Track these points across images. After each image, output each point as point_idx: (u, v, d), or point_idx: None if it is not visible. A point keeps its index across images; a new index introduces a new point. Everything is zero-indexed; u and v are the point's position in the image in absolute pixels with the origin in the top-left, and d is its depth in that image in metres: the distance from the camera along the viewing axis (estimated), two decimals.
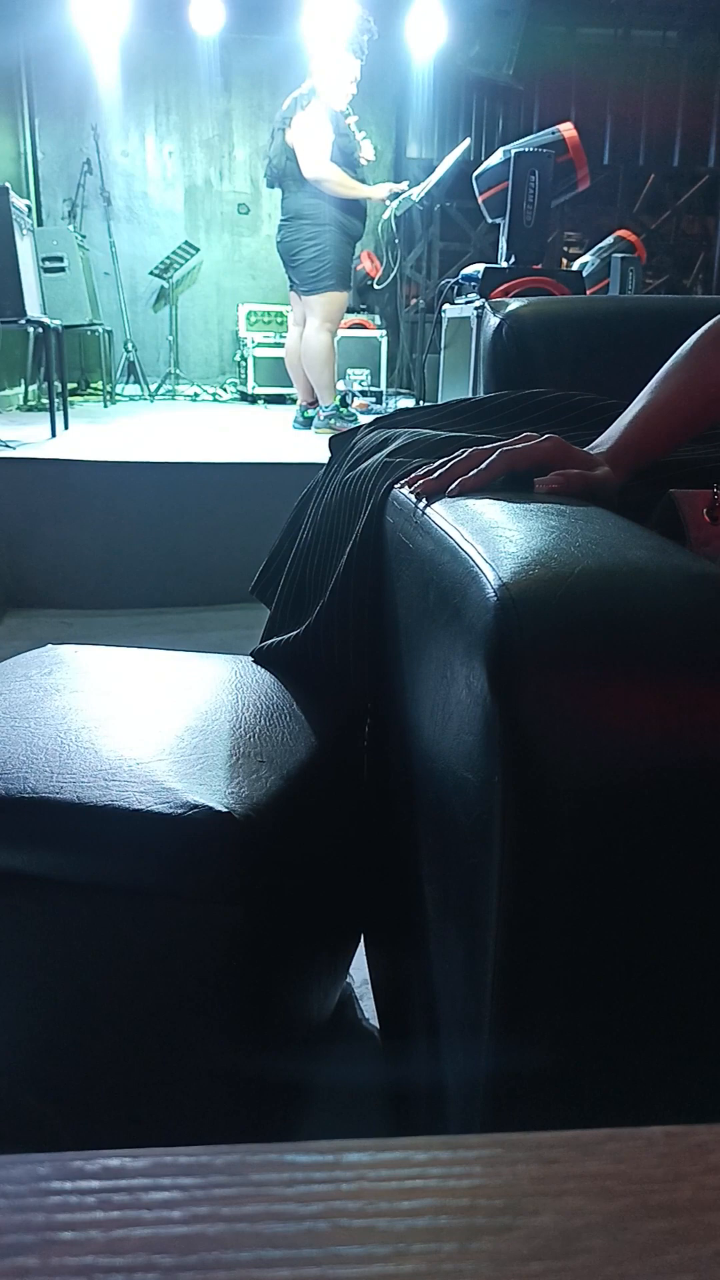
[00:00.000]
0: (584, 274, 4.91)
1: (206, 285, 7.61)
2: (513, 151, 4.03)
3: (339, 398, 4.82)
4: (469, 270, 4.27)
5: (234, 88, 7.35)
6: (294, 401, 5.20)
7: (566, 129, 4.15)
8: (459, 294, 4.31)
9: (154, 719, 0.99)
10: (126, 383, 6.92)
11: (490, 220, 4.24)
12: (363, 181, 4.48)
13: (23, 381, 6.14)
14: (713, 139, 6.92)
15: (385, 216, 4.81)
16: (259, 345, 6.62)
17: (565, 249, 7.48)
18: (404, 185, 4.73)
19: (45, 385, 4.96)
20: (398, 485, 0.91)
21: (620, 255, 5.07)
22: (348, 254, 4.54)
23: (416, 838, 0.84)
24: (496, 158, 4.14)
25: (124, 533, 3.24)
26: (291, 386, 5.12)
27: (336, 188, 4.30)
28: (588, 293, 4.58)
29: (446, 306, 4.35)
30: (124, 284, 7.19)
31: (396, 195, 4.63)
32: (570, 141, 4.10)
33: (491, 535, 0.66)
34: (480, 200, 4.19)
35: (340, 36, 4.24)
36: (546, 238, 4.24)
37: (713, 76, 6.74)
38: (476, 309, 3.89)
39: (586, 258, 5.48)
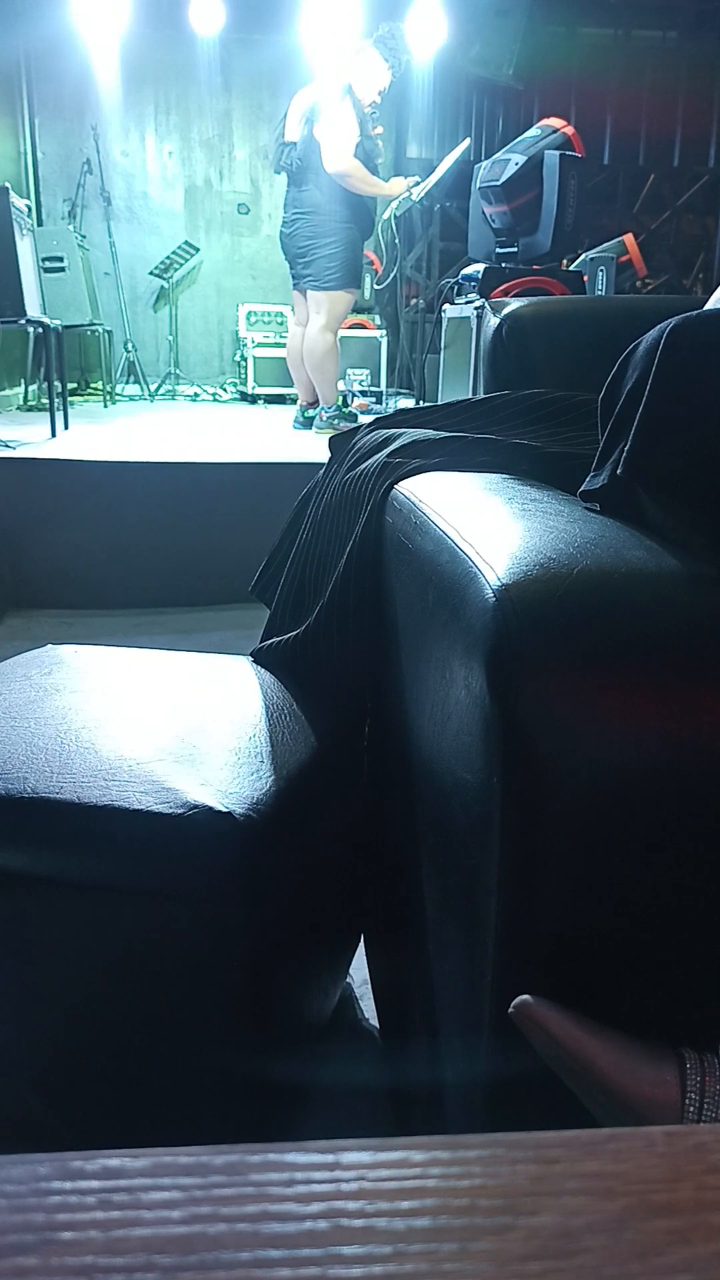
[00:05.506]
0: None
1: (206, 285, 7.61)
2: (557, 156, 3.96)
3: (339, 398, 4.81)
4: (469, 270, 4.25)
5: (234, 88, 7.35)
6: (294, 401, 5.19)
7: (567, 127, 4.12)
8: (459, 294, 4.29)
9: (154, 719, 0.99)
10: (126, 383, 6.92)
11: (512, 224, 4.13)
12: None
13: (23, 381, 6.14)
14: (713, 139, 6.91)
15: (385, 216, 4.80)
16: (259, 345, 6.62)
17: None
18: (415, 179, 4.70)
19: (45, 385, 4.95)
20: None
21: (593, 255, 5.05)
22: (361, 254, 4.51)
23: (416, 838, 0.84)
24: (512, 169, 4.06)
25: (124, 533, 3.24)
26: (291, 386, 5.10)
27: (359, 184, 4.25)
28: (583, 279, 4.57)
29: (446, 306, 4.34)
30: (124, 284, 7.19)
31: (414, 185, 4.60)
32: (575, 140, 4.09)
33: (490, 536, 0.66)
34: (508, 209, 4.07)
35: (382, 44, 4.23)
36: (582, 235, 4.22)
37: (713, 76, 6.73)
38: (476, 309, 3.89)
39: (588, 254, 5.47)
